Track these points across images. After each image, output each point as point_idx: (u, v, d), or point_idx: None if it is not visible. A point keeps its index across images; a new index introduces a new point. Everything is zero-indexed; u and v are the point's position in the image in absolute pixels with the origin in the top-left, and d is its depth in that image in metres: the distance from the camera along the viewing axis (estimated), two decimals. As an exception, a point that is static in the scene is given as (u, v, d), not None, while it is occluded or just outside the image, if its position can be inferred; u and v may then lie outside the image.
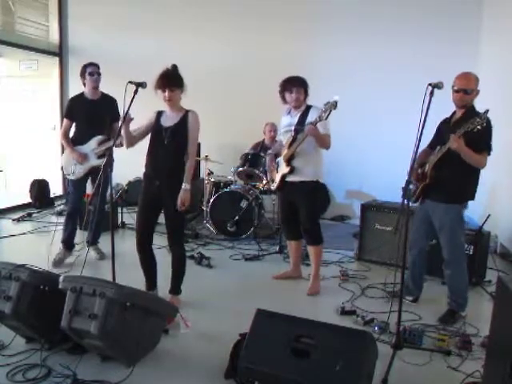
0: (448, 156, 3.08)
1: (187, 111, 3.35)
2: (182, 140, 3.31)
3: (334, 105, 3.39)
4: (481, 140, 3.03)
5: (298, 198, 3.79)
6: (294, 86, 3.72)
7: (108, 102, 4.34)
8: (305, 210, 3.78)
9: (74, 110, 4.31)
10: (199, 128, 3.36)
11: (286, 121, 3.88)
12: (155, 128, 3.35)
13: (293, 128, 3.77)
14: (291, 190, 3.81)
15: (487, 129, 3.05)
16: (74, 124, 4.35)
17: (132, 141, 3.30)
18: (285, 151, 3.83)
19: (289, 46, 6.52)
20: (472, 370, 2.60)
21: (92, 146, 4.24)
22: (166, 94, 3.21)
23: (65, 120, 4.37)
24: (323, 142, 3.64)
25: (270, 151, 4.19)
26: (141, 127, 3.35)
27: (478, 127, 2.86)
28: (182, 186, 3.28)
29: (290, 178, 3.80)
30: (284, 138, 3.91)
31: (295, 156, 3.73)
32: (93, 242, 4.46)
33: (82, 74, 4.29)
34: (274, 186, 4.05)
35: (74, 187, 4.38)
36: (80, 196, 4.45)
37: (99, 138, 4.24)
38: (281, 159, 3.91)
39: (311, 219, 3.81)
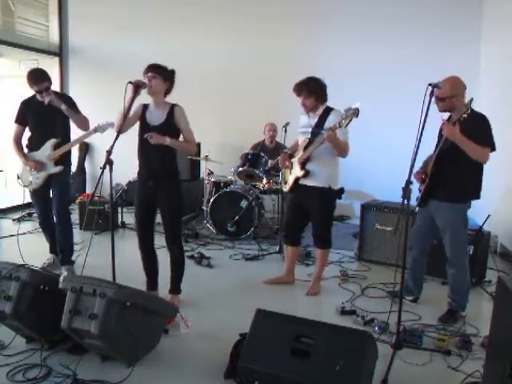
0: (448, 153, 3.09)
1: (173, 105, 3.32)
2: (171, 137, 3.27)
3: (356, 113, 3.26)
4: (479, 134, 3.03)
5: (309, 203, 3.73)
6: (300, 95, 3.63)
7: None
8: (318, 215, 3.74)
9: (25, 114, 3.97)
10: (187, 117, 3.34)
11: (304, 121, 3.77)
12: (142, 126, 3.32)
13: (310, 130, 3.67)
14: (303, 193, 3.74)
15: (485, 124, 3.08)
16: (27, 129, 4.03)
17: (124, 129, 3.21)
18: (300, 153, 3.74)
19: (289, 45, 6.53)
20: (472, 370, 2.60)
21: (47, 151, 3.93)
22: (147, 78, 3.17)
23: (15, 126, 4.02)
24: (341, 149, 3.55)
25: (285, 150, 4.03)
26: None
27: (464, 115, 2.92)
28: (167, 139, 3.21)
29: (303, 182, 3.72)
30: (300, 138, 3.82)
31: (310, 159, 3.65)
32: (63, 261, 4.11)
33: (29, 86, 3.83)
34: (286, 188, 3.95)
35: (36, 198, 4.07)
36: (45, 205, 4.08)
37: (53, 141, 3.92)
38: (295, 160, 3.81)
39: (324, 224, 3.78)
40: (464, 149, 3.02)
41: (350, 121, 3.32)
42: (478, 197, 3.24)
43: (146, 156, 3.32)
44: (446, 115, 3.30)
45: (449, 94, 3.11)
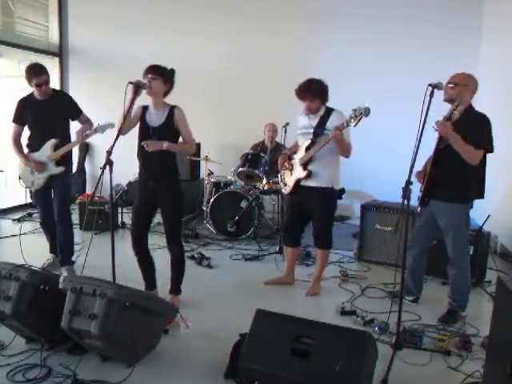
0: (446, 152, 3.08)
1: (172, 107, 3.31)
2: (171, 139, 3.27)
3: (367, 112, 3.24)
4: (474, 134, 3.03)
5: (312, 204, 3.71)
6: (304, 99, 3.60)
7: (60, 100, 3.99)
8: (319, 215, 3.73)
9: (23, 112, 3.94)
10: (186, 119, 3.33)
11: (304, 122, 3.74)
12: (142, 127, 3.32)
13: (311, 131, 3.65)
14: (305, 194, 3.72)
15: (483, 124, 3.08)
16: (26, 129, 4.03)
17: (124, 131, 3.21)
18: (301, 154, 3.71)
19: (289, 45, 6.53)
20: (472, 370, 2.60)
21: (47, 151, 3.91)
22: (147, 80, 3.16)
23: (13, 125, 3.99)
24: (345, 149, 3.54)
25: (284, 151, 4.01)
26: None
27: (455, 111, 2.97)
28: (164, 144, 3.20)
29: (305, 183, 3.70)
30: (300, 140, 3.79)
31: (313, 160, 3.63)
32: (64, 261, 4.11)
33: (28, 80, 3.83)
34: (286, 190, 3.92)
35: (38, 199, 4.10)
36: (47, 205, 4.08)
37: (52, 141, 3.90)
38: (295, 162, 3.78)
39: (325, 225, 3.77)
40: (454, 146, 3.01)
41: (360, 120, 3.29)
42: (481, 196, 3.22)
43: (146, 157, 3.30)
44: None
45: (465, 81, 3.13)
